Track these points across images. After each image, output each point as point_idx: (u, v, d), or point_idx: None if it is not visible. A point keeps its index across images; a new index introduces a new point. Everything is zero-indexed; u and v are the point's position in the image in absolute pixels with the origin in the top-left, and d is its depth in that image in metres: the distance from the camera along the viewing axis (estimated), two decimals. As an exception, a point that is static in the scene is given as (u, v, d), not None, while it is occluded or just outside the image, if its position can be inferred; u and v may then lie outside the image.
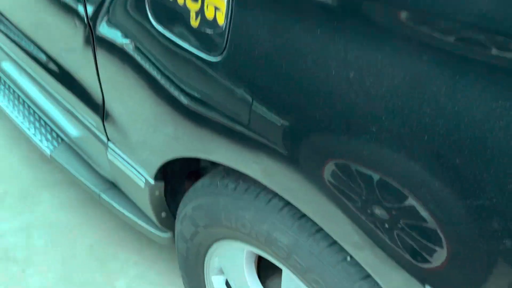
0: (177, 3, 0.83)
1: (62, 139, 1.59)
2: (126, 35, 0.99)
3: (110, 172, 1.34)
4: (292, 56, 0.69)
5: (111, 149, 1.24)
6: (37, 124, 1.63)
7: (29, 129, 1.61)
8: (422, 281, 0.64)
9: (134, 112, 1.09)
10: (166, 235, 1.34)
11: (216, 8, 0.77)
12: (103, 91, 1.13)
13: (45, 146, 1.56)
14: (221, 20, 0.77)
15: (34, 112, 1.66)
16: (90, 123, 1.30)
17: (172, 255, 1.63)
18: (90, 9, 1.06)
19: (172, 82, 0.91)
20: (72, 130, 1.46)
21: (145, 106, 1.03)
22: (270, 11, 0.71)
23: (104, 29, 1.04)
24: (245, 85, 0.76)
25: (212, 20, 0.78)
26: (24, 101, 1.71)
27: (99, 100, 1.17)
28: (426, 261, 0.62)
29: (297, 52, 0.68)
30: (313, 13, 0.66)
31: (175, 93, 0.91)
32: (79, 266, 1.60)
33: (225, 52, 0.78)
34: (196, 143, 0.94)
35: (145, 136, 1.10)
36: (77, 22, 1.11)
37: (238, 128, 0.79)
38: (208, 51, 0.80)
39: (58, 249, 1.65)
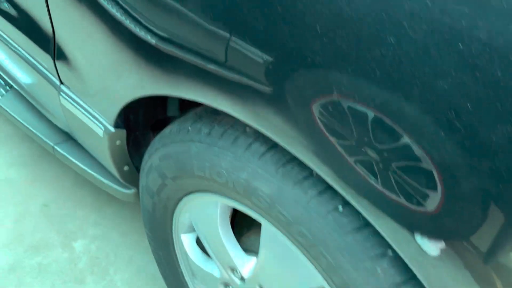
0: None
1: (11, 87, 1.44)
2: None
3: (65, 121, 1.20)
4: None
5: (64, 93, 1.10)
6: (-19, 70, 1.47)
7: (-29, 75, 1.45)
8: (412, 229, 0.60)
9: (90, 48, 0.95)
10: (130, 191, 1.24)
11: None
12: (53, 23, 0.98)
13: (-9, 95, 1.42)
14: None
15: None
16: (40, 64, 1.15)
17: (136, 214, 1.52)
18: None
19: (135, 18, 0.79)
20: (21, 75, 1.31)
21: (103, 42, 0.89)
22: None
23: None
24: (221, 18, 0.66)
25: None
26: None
27: (49, 35, 1.02)
28: (419, 206, 0.57)
29: None
30: None
31: (139, 27, 0.79)
32: (32, 226, 1.47)
33: None
34: (163, 83, 0.82)
35: (102, 76, 0.96)
36: None
37: (214, 67, 0.69)
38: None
39: (9, 208, 1.51)
